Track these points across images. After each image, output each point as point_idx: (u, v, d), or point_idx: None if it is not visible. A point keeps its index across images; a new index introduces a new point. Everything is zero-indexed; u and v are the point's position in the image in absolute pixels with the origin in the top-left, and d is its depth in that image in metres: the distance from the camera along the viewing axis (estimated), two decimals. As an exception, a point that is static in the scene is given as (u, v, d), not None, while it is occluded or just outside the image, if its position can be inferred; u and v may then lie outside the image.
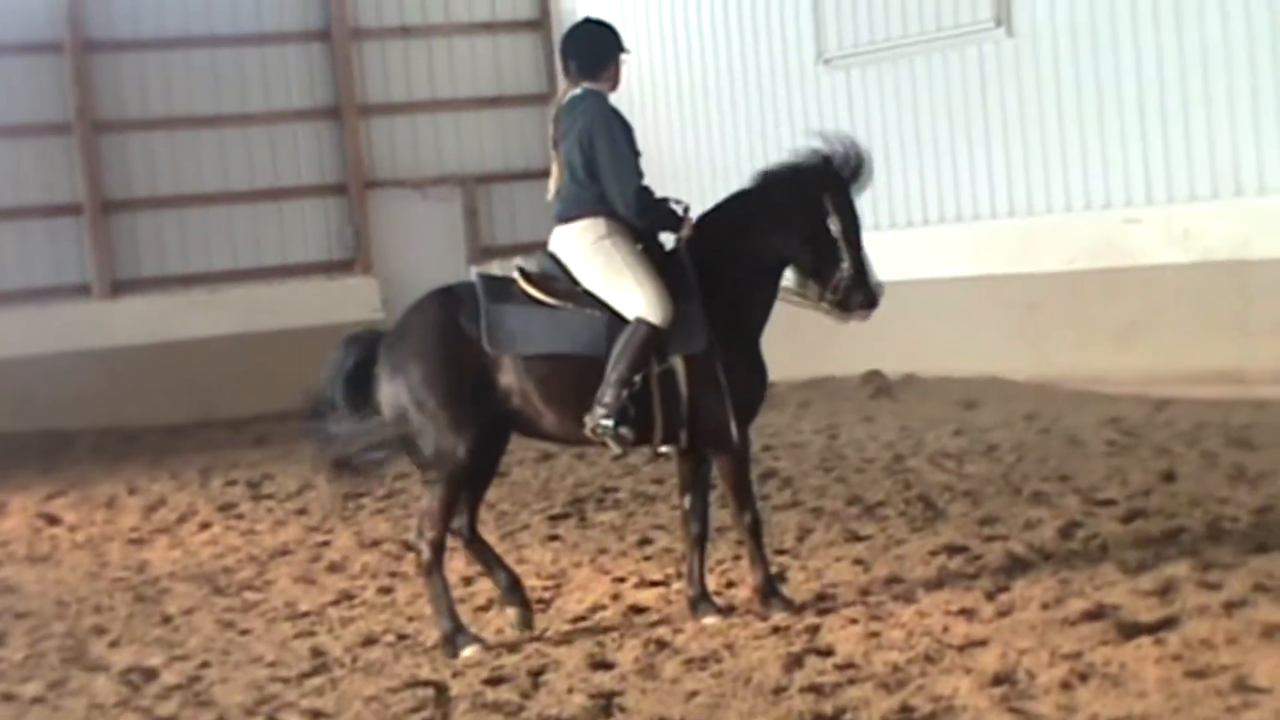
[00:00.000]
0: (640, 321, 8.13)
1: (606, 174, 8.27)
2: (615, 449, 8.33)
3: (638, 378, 8.12)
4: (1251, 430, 12.65)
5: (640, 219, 8.33)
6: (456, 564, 10.39)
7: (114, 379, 19.61)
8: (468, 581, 9.84)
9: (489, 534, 11.31)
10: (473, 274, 8.96)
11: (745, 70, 19.68)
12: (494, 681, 7.63)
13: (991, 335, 16.93)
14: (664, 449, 8.60)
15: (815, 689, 6.96)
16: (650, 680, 7.40)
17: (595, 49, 8.56)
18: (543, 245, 8.59)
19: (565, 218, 8.41)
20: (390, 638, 8.75)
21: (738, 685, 7.15)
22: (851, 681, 7.02)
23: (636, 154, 8.36)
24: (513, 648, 8.23)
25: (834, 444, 14.14)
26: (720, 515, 11.08)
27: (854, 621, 7.98)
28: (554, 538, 11.11)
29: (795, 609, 8.31)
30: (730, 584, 9.13)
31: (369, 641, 8.70)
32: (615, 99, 8.58)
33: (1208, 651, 6.86)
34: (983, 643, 7.34)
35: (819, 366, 17.30)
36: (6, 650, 9.32)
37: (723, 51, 19.77)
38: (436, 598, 8.38)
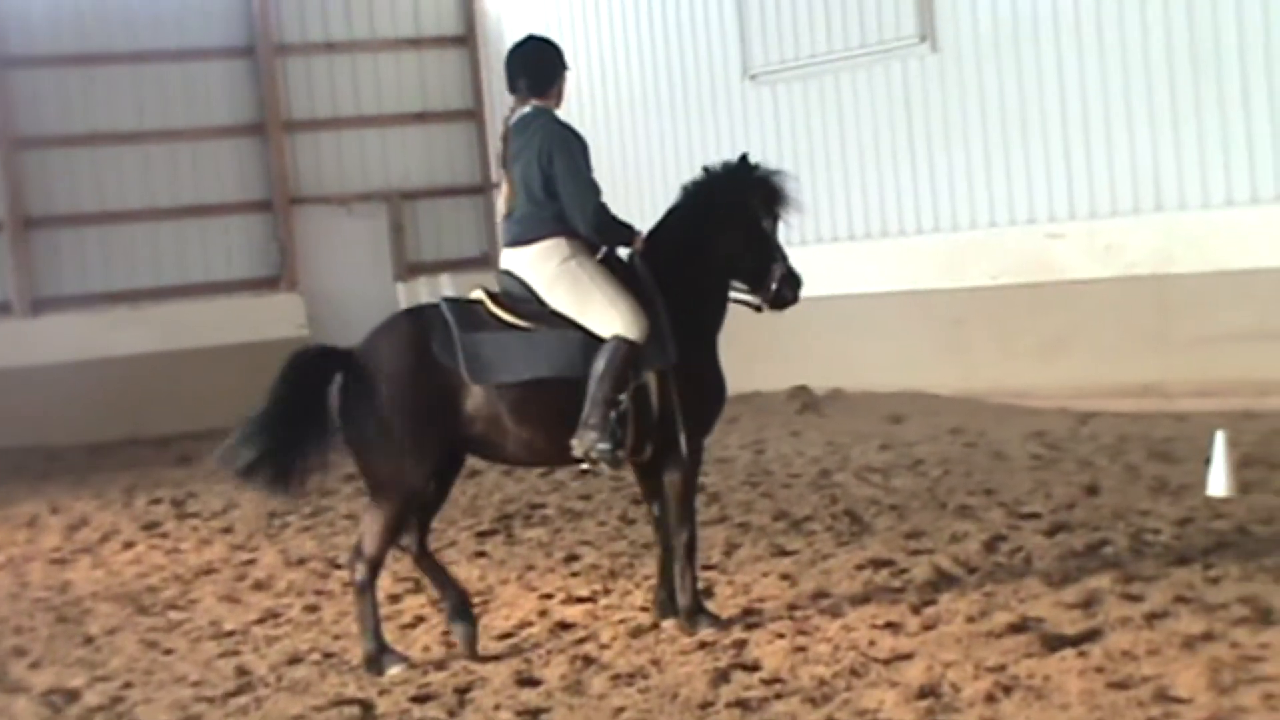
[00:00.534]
0: (619, 339, 8.11)
1: (567, 192, 8.25)
2: (607, 469, 8.26)
3: (623, 396, 8.11)
4: (1173, 443, 12.77)
5: (600, 236, 8.34)
6: (384, 582, 10.36)
7: (36, 397, 19.40)
8: (394, 599, 9.80)
9: (415, 551, 11.30)
10: (438, 296, 8.75)
11: (672, 87, 19.72)
12: (421, 699, 7.61)
13: (917, 350, 17.02)
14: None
15: (742, 704, 6.98)
16: (577, 696, 7.39)
17: (544, 66, 8.54)
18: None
19: (523, 239, 8.34)
20: (316, 656, 8.70)
21: (664, 701, 7.15)
22: (778, 696, 7.04)
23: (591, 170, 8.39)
24: (439, 665, 8.20)
25: (761, 459, 14.18)
26: (647, 531, 11.11)
27: (780, 636, 8.00)
28: (481, 554, 11.09)
29: (722, 625, 8.31)
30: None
31: (294, 660, 8.65)
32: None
33: (1130, 663, 6.92)
34: (908, 656, 7.38)
35: (746, 382, 17.23)
36: (-74, 672, 9.21)
37: (649, 68, 19.82)
38: (364, 616, 8.32)
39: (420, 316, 8.39)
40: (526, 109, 8.45)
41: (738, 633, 8.16)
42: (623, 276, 8.34)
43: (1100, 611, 7.82)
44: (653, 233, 8.58)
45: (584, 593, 9.53)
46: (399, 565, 10.86)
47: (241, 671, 8.49)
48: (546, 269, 8.26)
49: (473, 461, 15.59)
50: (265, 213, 21.65)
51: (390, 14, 22.25)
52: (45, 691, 8.45)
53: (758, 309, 8.76)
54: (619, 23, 20.10)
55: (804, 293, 8.73)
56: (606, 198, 8.43)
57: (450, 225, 22.33)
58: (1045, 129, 16.00)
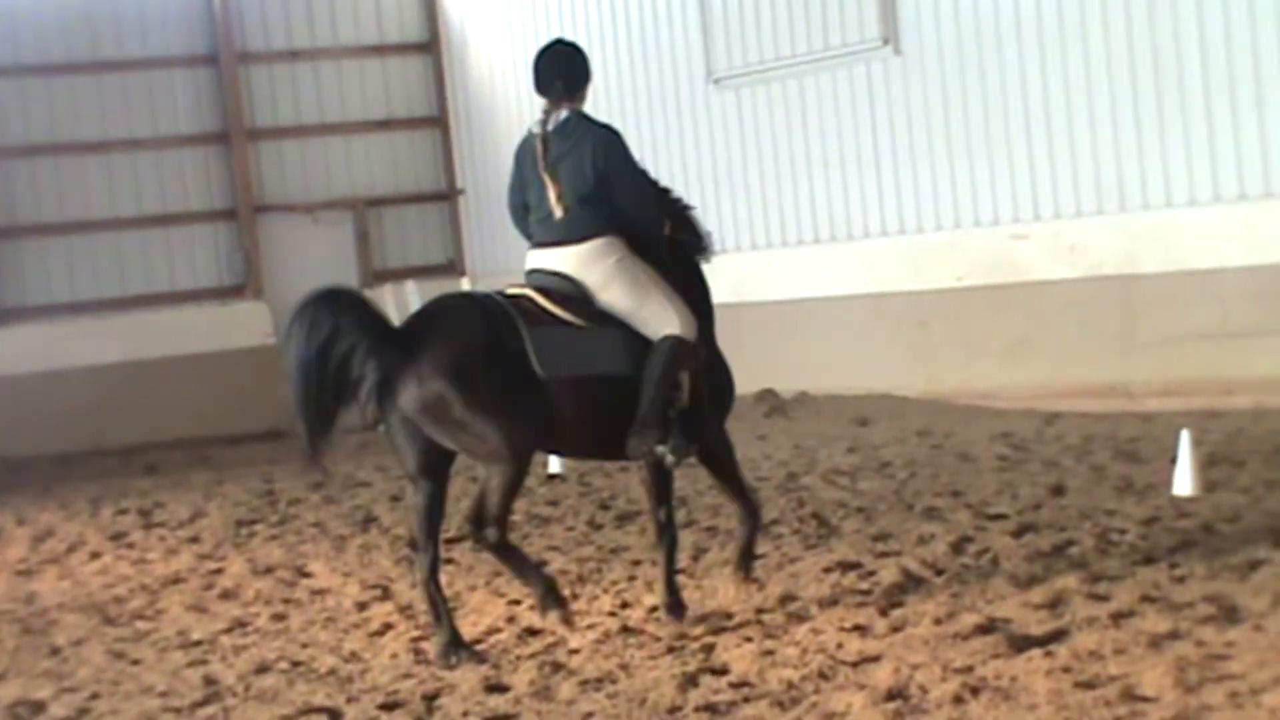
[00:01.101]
0: (675, 339, 8.27)
1: (628, 192, 8.46)
2: (672, 465, 8.40)
3: (680, 393, 8.28)
4: (1138, 443, 12.83)
5: (652, 234, 8.54)
6: (350, 590, 10.35)
7: (0, 409, 19.31)
8: (362, 606, 9.78)
9: (383, 558, 11.29)
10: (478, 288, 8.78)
11: (636, 91, 19.73)
12: (389, 706, 7.59)
13: (883, 352, 17.06)
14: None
15: (710, 708, 6.98)
16: (545, 702, 7.38)
17: (578, 68, 8.66)
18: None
19: (573, 238, 8.40)
20: (284, 665, 8.66)
21: (633, 706, 7.15)
22: (746, 700, 7.04)
23: None
24: (407, 673, 8.18)
25: (728, 463, 14.17)
26: (615, 536, 11.12)
27: (749, 640, 8.01)
28: (449, 561, 11.04)
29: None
30: (625, 604, 9.12)
31: (262, 669, 8.61)
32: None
33: (1096, 662, 6.95)
34: (876, 658, 7.39)
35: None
36: (-109, 686, 9.15)
37: (613, 73, 19.81)
38: (520, 567, 8.43)
39: (478, 303, 8.31)
40: (564, 113, 8.53)
41: (706, 636, 8.17)
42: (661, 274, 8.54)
43: (1067, 612, 7.85)
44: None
45: (552, 598, 9.50)
46: (366, 573, 10.85)
47: (209, 681, 8.45)
48: (601, 267, 8.37)
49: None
50: (230, 221, 21.59)
51: (353, 21, 22.22)
52: (11, 704, 8.40)
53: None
54: (582, 27, 20.08)
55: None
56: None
57: (415, 232, 22.32)
58: (1009, 130, 16.07)
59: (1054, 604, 8.03)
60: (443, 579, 10.27)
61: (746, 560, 8.92)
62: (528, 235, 8.75)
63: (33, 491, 16.85)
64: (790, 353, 17.17)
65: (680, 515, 11.62)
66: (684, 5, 19.04)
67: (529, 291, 8.39)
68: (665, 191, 8.90)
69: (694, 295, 8.67)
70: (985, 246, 16.26)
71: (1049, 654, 7.11)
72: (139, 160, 21.09)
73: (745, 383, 17.52)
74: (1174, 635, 7.25)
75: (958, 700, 6.64)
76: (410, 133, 22.53)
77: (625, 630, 8.52)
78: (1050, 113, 15.70)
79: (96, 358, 20.04)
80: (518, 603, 9.46)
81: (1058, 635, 7.43)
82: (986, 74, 16.18)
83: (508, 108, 21.09)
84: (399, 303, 21.01)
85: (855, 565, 9.46)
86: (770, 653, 7.72)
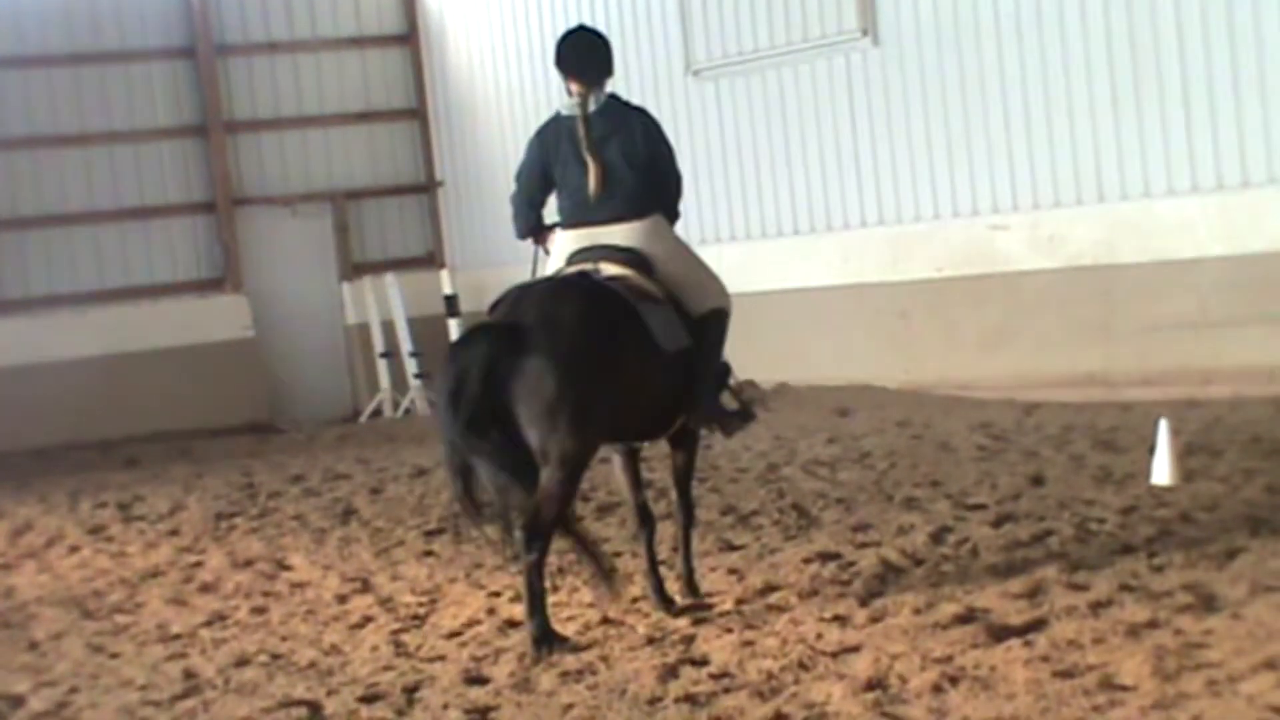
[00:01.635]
0: (723, 311, 8.56)
1: (672, 172, 8.72)
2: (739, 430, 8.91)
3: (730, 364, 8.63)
4: (1117, 432, 12.85)
5: (677, 211, 8.82)
6: (330, 582, 10.34)
7: (-22, 403, 19.31)
8: (342, 599, 9.78)
9: (363, 551, 11.29)
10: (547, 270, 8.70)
11: (614, 82, 19.63)
12: (369, 699, 7.58)
13: (863, 343, 17.09)
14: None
15: (690, 699, 6.98)
16: (526, 694, 7.38)
17: (608, 53, 9.03)
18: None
19: (631, 214, 8.48)
20: (264, 658, 8.65)
21: (613, 697, 7.15)
22: (726, 690, 7.04)
23: None
24: (387, 665, 8.18)
25: (708, 454, 14.15)
26: (595, 528, 11.11)
27: (729, 630, 8.01)
28: (429, 553, 11.06)
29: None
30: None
31: (242, 662, 8.60)
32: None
33: (1075, 652, 6.96)
34: (855, 649, 7.40)
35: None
36: None
37: (592, 64, 19.78)
38: (586, 548, 8.49)
39: (575, 286, 8.22)
40: (603, 95, 8.81)
41: (686, 627, 8.18)
42: None
43: (1046, 601, 7.85)
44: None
45: (532, 590, 9.49)
46: (346, 565, 10.85)
47: (189, 674, 8.44)
48: (665, 242, 8.58)
49: (418, 460, 15.58)
50: (208, 214, 21.55)
51: (332, 13, 22.19)
52: (-10, 698, 8.40)
53: None
54: (561, 19, 20.03)
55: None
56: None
57: (395, 224, 22.30)
58: (987, 121, 16.09)
59: (1033, 593, 8.04)
60: (422, 571, 10.33)
61: (691, 575, 8.84)
62: (528, 228, 8.82)
63: (11, 485, 16.80)
64: (770, 343, 17.16)
65: (660, 506, 11.65)
66: (663, -4, 19.04)
67: (618, 269, 8.34)
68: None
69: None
70: (964, 237, 16.29)
71: (1028, 643, 7.12)
72: (117, 153, 21.04)
73: (725, 374, 17.65)
74: (1152, 624, 7.26)
75: (937, 690, 6.65)
76: (389, 125, 22.50)
77: (605, 621, 8.52)
78: (1029, 103, 15.72)
79: (75, 351, 20.03)
80: (498, 595, 9.46)
81: (1036, 625, 7.44)
82: (965, 65, 16.20)
83: (487, 99, 21.09)
84: (378, 296, 21.02)
85: (835, 556, 9.47)
86: (750, 643, 7.72)
